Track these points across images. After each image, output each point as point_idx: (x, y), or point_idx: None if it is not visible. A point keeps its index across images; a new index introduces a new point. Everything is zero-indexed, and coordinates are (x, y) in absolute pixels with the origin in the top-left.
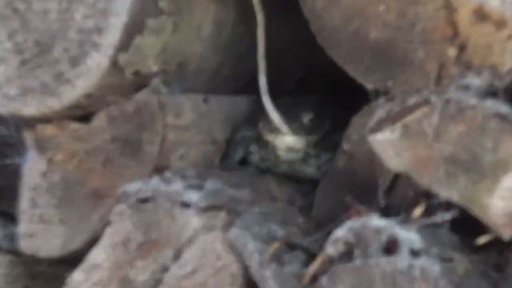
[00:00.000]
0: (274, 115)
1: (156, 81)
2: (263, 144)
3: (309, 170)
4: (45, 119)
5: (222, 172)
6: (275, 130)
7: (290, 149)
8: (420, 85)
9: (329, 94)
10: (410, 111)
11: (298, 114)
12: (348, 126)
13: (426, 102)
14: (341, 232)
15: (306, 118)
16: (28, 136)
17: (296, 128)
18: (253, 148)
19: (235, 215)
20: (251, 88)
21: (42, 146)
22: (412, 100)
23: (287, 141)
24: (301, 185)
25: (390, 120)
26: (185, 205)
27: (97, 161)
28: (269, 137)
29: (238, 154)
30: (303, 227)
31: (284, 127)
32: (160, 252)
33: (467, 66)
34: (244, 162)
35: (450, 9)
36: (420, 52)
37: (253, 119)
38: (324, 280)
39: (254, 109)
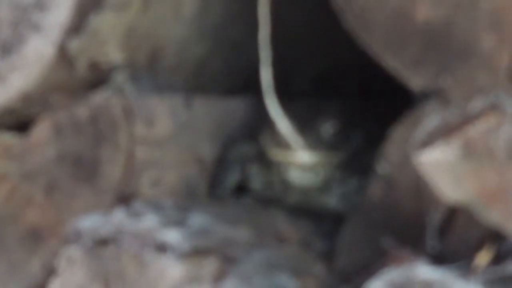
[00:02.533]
0: (282, 124)
1: (119, 77)
2: (267, 164)
3: (331, 201)
4: None
5: (211, 203)
6: (283, 146)
7: (304, 172)
8: (487, 83)
9: (359, 98)
10: (473, 121)
11: (316, 123)
12: (385, 142)
13: (496, 107)
14: (377, 286)
15: (327, 129)
16: None
17: (313, 142)
18: (253, 170)
19: (229, 262)
20: (250, 88)
21: None
22: (476, 105)
23: (300, 160)
24: (320, 222)
25: (445, 133)
26: (161, 248)
27: (37, 188)
28: (276, 155)
29: (233, 179)
30: (322, 280)
31: (296, 141)
32: None
33: None
34: (240, 189)
35: None
36: (487, 38)
37: (253, 130)
38: None
39: (254, 115)
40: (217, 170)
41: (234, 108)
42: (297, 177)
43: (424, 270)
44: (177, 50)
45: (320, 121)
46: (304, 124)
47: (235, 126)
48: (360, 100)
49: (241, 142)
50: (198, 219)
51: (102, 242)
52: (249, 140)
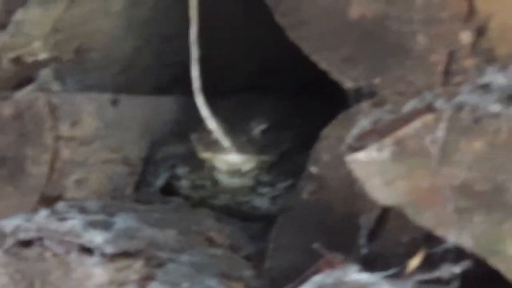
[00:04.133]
0: (212, 123)
1: (45, 74)
2: (196, 165)
3: (261, 202)
4: None
5: (137, 205)
6: (213, 146)
7: (234, 173)
8: (421, 84)
9: (291, 96)
10: (406, 122)
11: (247, 123)
12: (317, 142)
13: (430, 108)
14: None
15: (258, 129)
16: None
17: (243, 143)
18: (182, 170)
19: (156, 265)
20: (179, 85)
21: None
22: (409, 106)
23: (230, 161)
24: (250, 224)
25: (377, 133)
26: (86, 250)
27: None
28: (205, 155)
29: (161, 179)
30: (252, 283)
31: (226, 142)
32: None
33: (488, 59)
34: (168, 190)
35: None
36: (421, 36)
37: (182, 129)
38: None
39: (184, 114)
40: (145, 170)
41: (163, 106)
42: (227, 178)
43: (356, 275)
44: (105, 46)
45: (251, 121)
46: (235, 124)
47: (164, 125)
48: (293, 98)
49: (169, 142)
50: (124, 221)
51: (26, 244)
52: (178, 140)
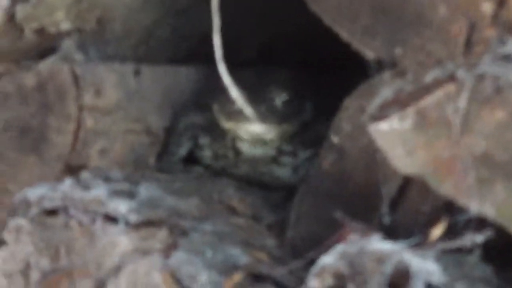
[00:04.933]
0: (235, 92)
1: (67, 44)
2: (218, 135)
3: (282, 172)
4: None
5: (160, 174)
6: (235, 115)
7: (256, 142)
8: (441, 54)
9: (311, 68)
10: (427, 92)
11: (267, 93)
12: (339, 112)
13: (451, 78)
14: (329, 260)
15: (279, 99)
16: None
17: (265, 112)
18: (204, 140)
19: (179, 234)
20: (198, 56)
21: None
22: (430, 76)
23: (252, 130)
24: (271, 194)
25: (399, 103)
26: (110, 219)
27: None
28: (227, 125)
29: (183, 149)
30: (274, 253)
31: (248, 111)
32: (74, 285)
33: (509, 28)
34: (191, 160)
35: None
36: (441, 7)
37: (204, 99)
38: None
39: (204, 85)
40: (167, 140)
41: (184, 76)
42: (249, 148)
43: (378, 243)
44: (124, 18)
45: (272, 91)
46: (256, 94)
47: (185, 95)
48: (313, 70)
49: (191, 112)
50: (147, 190)
51: (51, 213)
52: (199, 110)
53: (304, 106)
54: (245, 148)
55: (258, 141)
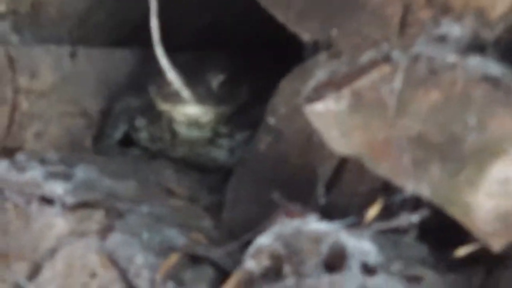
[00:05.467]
0: (171, 74)
1: (2, 26)
2: (155, 117)
3: (219, 154)
4: None
5: (96, 157)
6: (171, 97)
7: (192, 124)
8: (377, 36)
9: (247, 50)
10: (363, 73)
11: (204, 76)
12: (275, 94)
13: (386, 60)
14: (265, 241)
15: (216, 81)
16: None
17: (202, 94)
18: (140, 122)
19: (116, 216)
20: (136, 40)
21: None
22: (365, 57)
23: (188, 112)
24: (208, 175)
25: (334, 85)
26: (46, 200)
27: None
28: (164, 107)
29: (119, 131)
30: (211, 234)
31: (185, 93)
32: (10, 268)
33: (443, 10)
34: (127, 142)
35: None
36: None
37: (139, 82)
38: None
39: (140, 67)
40: (103, 122)
41: (120, 59)
42: (185, 130)
43: (314, 224)
44: (59, 2)
45: (208, 74)
46: (192, 76)
47: (121, 78)
48: (249, 52)
49: (127, 94)
50: (84, 172)
51: None
52: (136, 92)
53: (240, 89)
54: (182, 130)
55: (195, 123)
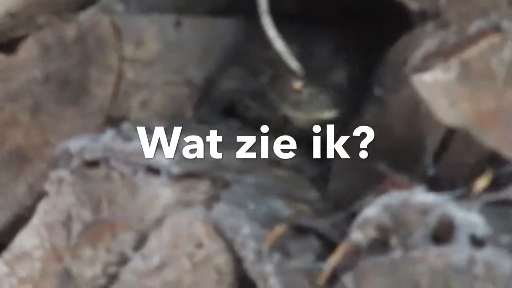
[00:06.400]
0: (279, 44)
1: None
2: (267, 105)
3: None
4: None
5: (200, 126)
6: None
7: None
8: (485, 4)
9: (353, 21)
10: (472, 43)
11: (311, 50)
12: (381, 64)
13: (495, 29)
14: (372, 212)
15: (323, 55)
16: None
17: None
18: (250, 103)
19: (222, 186)
20: (241, 9)
21: None
22: (474, 27)
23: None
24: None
25: (443, 54)
26: (152, 171)
27: (22, 108)
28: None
29: (222, 104)
30: (316, 205)
31: (293, 63)
32: (116, 238)
33: None
34: (230, 112)
35: None
36: None
37: (242, 52)
38: (347, 279)
39: (247, 37)
40: (207, 92)
41: (224, 29)
42: (299, 117)
43: (422, 196)
44: None
45: (313, 46)
46: (300, 49)
47: (225, 48)
48: (348, 24)
49: (233, 65)
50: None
51: (92, 164)
52: (238, 62)
53: (347, 60)
54: (295, 116)
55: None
